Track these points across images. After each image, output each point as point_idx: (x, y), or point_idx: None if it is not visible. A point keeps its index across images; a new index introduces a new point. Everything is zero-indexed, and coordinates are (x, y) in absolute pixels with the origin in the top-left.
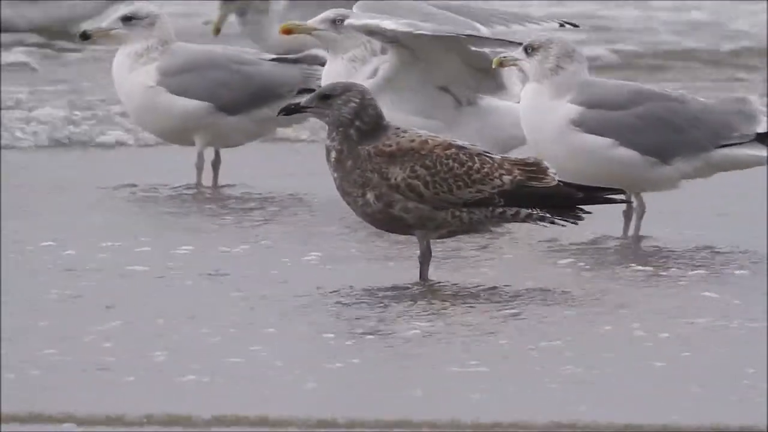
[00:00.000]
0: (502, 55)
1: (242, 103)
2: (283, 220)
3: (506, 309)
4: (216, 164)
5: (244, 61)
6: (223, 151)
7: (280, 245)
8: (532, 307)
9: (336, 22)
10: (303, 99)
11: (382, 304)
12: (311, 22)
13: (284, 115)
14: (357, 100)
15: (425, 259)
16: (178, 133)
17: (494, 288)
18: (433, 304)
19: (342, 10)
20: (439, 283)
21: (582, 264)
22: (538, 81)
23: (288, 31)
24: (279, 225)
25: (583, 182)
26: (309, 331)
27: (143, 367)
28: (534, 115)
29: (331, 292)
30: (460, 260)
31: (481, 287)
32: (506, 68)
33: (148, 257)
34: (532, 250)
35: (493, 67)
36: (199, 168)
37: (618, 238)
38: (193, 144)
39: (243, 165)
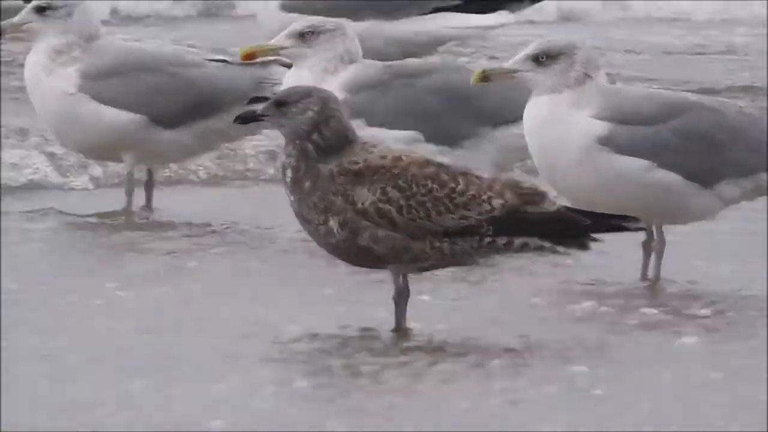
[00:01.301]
0: (487, 67)
1: (181, 114)
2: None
3: (492, 381)
4: (149, 186)
5: (183, 62)
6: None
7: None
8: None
9: (305, 36)
10: (260, 106)
11: (340, 360)
12: (276, 40)
13: (240, 123)
14: (316, 109)
15: (401, 298)
16: (104, 150)
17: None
18: (405, 365)
19: (310, 20)
20: (420, 334)
21: (588, 308)
22: (554, 91)
23: (249, 56)
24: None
25: (609, 212)
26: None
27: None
28: (549, 133)
29: (281, 342)
30: (439, 302)
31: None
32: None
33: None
34: (527, 290)
35: (473, 83)
36: (129, 192)
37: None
38: (121, 161)
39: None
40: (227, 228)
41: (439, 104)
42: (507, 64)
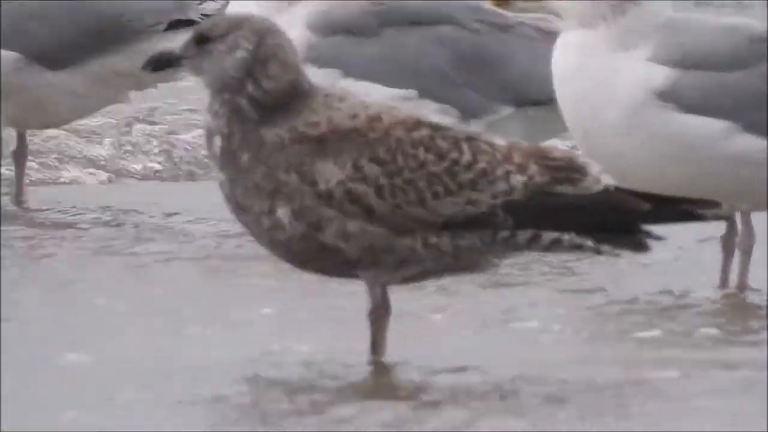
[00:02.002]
0: None
1: (72, 48)
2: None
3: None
4: (20, 155)
5: None
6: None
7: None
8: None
9: None
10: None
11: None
12: None
13: (152, 70)
14: (249, 46)
15: (378, 317)
16: None
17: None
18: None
19: None
20: (401, 363)
21: (648, 334)
22: (586, 25)
23: None
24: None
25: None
26: None
27: None
28: (583, 84)
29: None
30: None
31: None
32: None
33: None
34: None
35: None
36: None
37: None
38: None
39: None
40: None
41: (445, 64)
42: None
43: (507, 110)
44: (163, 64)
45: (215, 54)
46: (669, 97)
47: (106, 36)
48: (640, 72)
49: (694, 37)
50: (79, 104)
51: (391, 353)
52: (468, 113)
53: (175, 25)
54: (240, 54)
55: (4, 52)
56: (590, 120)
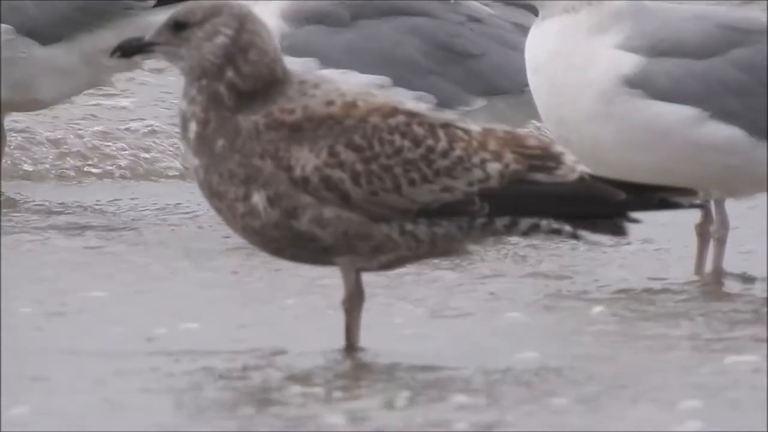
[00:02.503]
0: None
1: (62, 23)
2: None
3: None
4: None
5: None
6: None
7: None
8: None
9: None
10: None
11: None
12: None
13: (121, 56)
14: (229, 33)
15: (353, 305)
16: None
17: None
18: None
19: None
20: (375, 355)
21: (613, 325)
22: (569, 10)
23: None
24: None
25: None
26: None
27: None
28: (557, 71)
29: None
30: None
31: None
32: None
33: None
34: (527, 291)
35: None
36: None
37: (678, 281)
38: None
39: None
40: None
41: (418, 54)
42: None
43: (479, 102)
44: (133, 50)
45: (193, 40)
46: (638, 83)
47: (95, 10)
48: (612, 59)
49: (664, 24)
50: (67, 82)
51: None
52: (441, 103)
53: (165, 1)
54: (220, 40)
55: None
56: (565, 107)
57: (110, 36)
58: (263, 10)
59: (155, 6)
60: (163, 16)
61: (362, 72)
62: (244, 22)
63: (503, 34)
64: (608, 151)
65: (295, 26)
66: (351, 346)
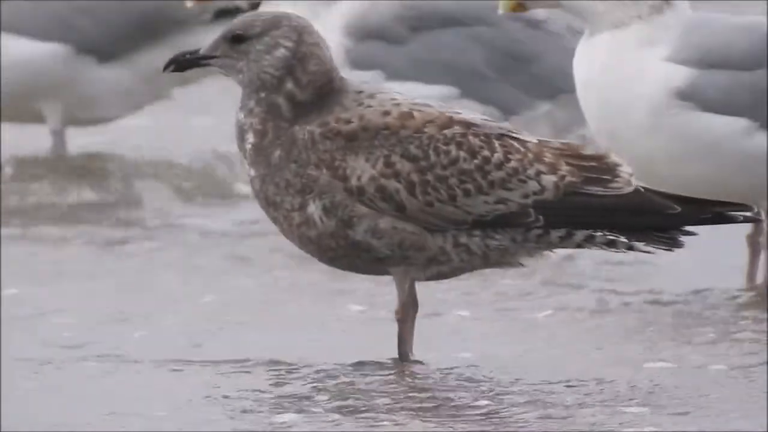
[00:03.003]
0: None
1: (119, 41)
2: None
3: None
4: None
5: None
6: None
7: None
8: None
9: None
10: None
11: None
12: None
13: (175, 70)
14: (289, 45)
15: (407, 316)
16: (15, 100)
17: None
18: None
19: None
20: (427, 365)
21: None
22: (618, 25)
23: None
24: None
25: (691, 194)
26: None
27: None
28: (608, 84)
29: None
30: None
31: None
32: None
33: None
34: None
35: (503, 10)
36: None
37: (734, 289)
38: (40, 121)
39: None
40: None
41: (481, 62)
42: None
43: (544, 105)
44: (187, 64)
45: (253, 53)
46: (689, 96)
47: (151, 27)
48: (661, 71)
49: (713, 37)
50: (126, 99)
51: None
52: (506, 109)
53: (222, 14)
54: (280, 52)
55: (52, 45)
56: (616, 121)
57: (167, 52)
58: (324, 25)
59: (211, 21)
60: (218, 30)
61: (427, 83)
62: (302, 33)
63: (561, 36)
64: (660, 164)
65: (358, 40)
66: (404, 356)
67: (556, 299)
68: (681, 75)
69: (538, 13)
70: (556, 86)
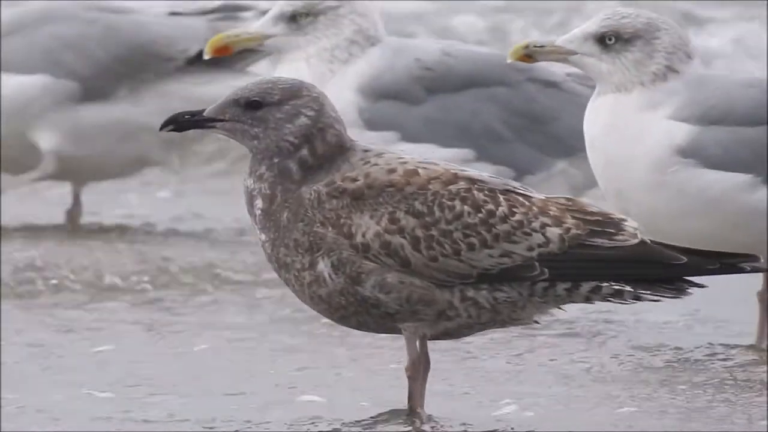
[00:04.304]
0: (531, 42)
1: (108, 76)
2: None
3: None
4: (75, 213)
5: (107, 7)
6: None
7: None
8: None
9: (298, 19)
10: (212, 105)
11: None
12: (259, 26)
13: (173, 130)
14: (311, 114)
15: (417, 374)
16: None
17: None
18: None
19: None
20: (443, 426)
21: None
22: (621, 89)
23: (222, 50)
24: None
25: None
26: None
27: None
28: (613, 144)
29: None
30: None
31: None
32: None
33: None
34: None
35: (511, 58)
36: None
37: (745, 347)
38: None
39: None
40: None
41: (497, 122)
42: (561, 40)
43: (560, 164)
44: (189, 125)
45: (271, 121)
46: (691, 153)
47: (138, 61)
48: (664, 129)
49: (714, 94)
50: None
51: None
52: (522, 169)
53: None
54: (302, 121)
55: (40, 78)
56: (621, 179)
57: (162, 83)
58: (339, 84)
59: (196, 58)
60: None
61: (443, 145)
62: (323, 104)
63: (578, 95)
64: (663, 220)
65: (372, 100)
66: (413, 411)
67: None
68: (682, 132)
69: (557, 73)
70: (572, 145)
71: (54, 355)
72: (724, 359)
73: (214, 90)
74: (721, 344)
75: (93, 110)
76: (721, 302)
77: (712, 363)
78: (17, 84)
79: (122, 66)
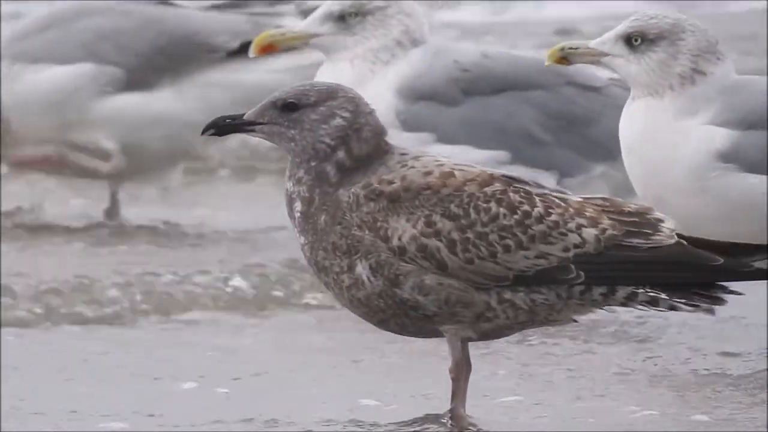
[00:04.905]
0: (566, 44)
1: (150, 67)
2: None
3: None
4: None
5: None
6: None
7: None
8: None
9: (347, 19)
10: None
11: None
12: (305, 25)
13: (214, 134)
14: (347, 115)
15: (460, 375)
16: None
17: None
18: None
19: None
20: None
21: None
22: (652, 93)
23: (267, 48)
24: None
25: None
26: None
27: None
28: (649, 151)
29: None
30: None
31: None
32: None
33: None
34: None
35: (548, 62)
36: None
37: None
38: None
39: None
40: None
41: (535, 125)
42: (594, 42)
43: (598, 168)
44: (228, 129)
45: (307, 122)
46: (731, 157)
47: (179, 53)
48: (702, 135)
49: (752, 98)
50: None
51: None
52: (560, 172)
53: (248, 46)
54: (337, 122)
55: (83, 66)
56: (659, 185)
57: (203, 73)
58: (377, 86)
59: (239, 50)
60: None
61: (479, 147)
62: (358, 104)
63: (619, 99)
64: (704, 226)
65: (410, 102)
66: (456, 415)
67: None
68: (722, 137)
69: (599, 77)
70: (612, 149)
71: None
72: None
73: (254, 80)
74: None
75: (137, 101)
76: None
77: None
78: (60, 74)
79: (165, 57)
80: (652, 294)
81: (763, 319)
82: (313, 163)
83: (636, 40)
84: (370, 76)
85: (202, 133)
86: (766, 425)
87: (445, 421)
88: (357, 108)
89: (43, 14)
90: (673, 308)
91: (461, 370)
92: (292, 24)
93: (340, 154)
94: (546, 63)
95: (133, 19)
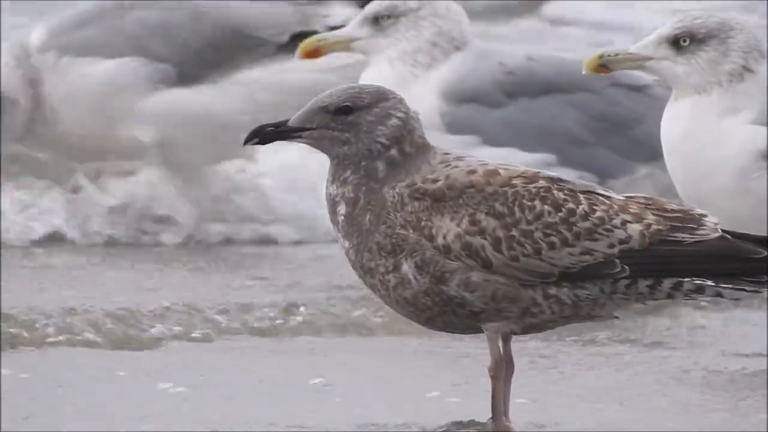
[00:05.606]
0: (604, 51)
1: (198, 61)
2: None
3: None
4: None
5: None
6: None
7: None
8: None
9: (380, 21)
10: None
11: None
12: (346, 29)
13: (258, 143)
14: (401, 115)
15: (499, 373)
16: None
17: None
18: None
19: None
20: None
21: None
22: (699, 91)
23: (312, 53)
24: None
25: None
26: None
27: None
28: (693, 150)
29: None
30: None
31: None
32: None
33: None
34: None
35: (586, 70)
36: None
37: None
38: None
39: None
40: None
41: (579, 126)
42: (634, 48)
43: (643, 169)
44: (274, 136)
45: (364, 124)
46: None
47: (228, 46)
48: (745, 135)
49: None
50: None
51: None
52: (604, 174)
53: (298, 37)
54: (393, 122)
55: (127, 60)
56: (702, 186)
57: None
58: (420, 88)
59: (291, 39)
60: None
61: (524, 149)
62: (408, 105)
63: (665, 100)
64: (748, 226)
65: (454, 104)
66: (496, 415)
67: None
68: (764, 137)
69: (643, 78)
70: (656, 149)
71: None
72: None
73: (297, 80)
74: None
75: (185, 96)
76: None
77: None
78: (109, 68)
79: (213, 51)
80: (698, 282)
81: (763, 319)
82: (363, 163)
83: (684, 41)
84: (412, 79)
85: (245, 143)
86: (766, 425)
87: (486, 422)
88: (407, 109)
89: (89, 6)
90: (719, 296)
91: (501, 368)
92: (339, 11)
93: (393, 152)
94: (584, 71)
95: (181, 13)
